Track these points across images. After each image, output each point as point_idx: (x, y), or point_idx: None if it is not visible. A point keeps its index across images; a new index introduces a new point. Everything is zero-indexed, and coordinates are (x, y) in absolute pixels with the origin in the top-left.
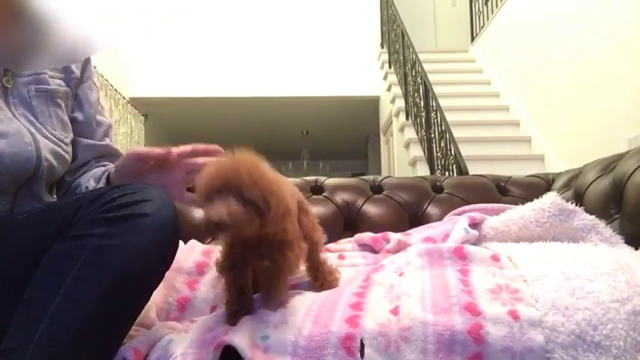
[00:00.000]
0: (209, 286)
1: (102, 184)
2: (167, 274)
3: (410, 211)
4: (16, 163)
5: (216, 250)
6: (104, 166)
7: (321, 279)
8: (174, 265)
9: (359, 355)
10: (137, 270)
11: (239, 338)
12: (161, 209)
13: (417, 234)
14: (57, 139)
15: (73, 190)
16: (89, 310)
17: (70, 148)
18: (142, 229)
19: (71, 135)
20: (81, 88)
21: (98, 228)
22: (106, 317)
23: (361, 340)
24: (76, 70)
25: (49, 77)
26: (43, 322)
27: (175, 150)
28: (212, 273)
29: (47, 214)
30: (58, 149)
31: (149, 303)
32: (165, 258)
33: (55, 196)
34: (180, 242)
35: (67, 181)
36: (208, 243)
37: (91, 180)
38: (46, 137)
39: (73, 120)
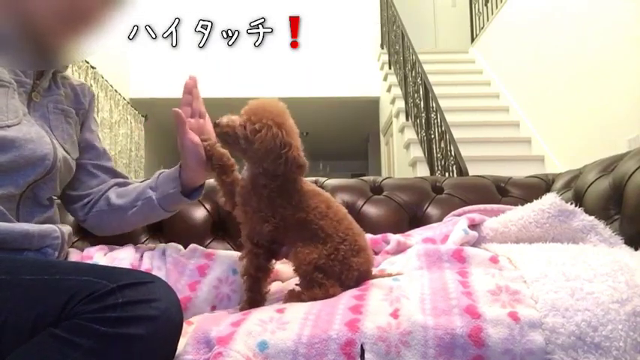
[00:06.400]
0: (210, 286)
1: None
2: (171, 276)
3: (410, 211)
4: (36, 157)
5: (216, 253)
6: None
7: None
8: (178, 267)
9: None
10: None
11: (235, 350)
12: (160, 329)
13: (416, 235)
14: (66, 151)
15: (95, 199)
16: None
17: (74, 164)
18: (132, 352)
19: (77, 154)
20: (88, 118)
21: (87, 339)
22: None
23: (361, 346)
24: (85, 102)
25: (65, 104)
26: None
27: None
28: (213, 274)
29: (48, 285)
30: (69, 158)
31: None
32: None
33: (54, 206)
34: (181, 246)
35: (84, 194)
36: (207, 246)
37: (125, 195)
38: (60, 146)
39: (89, 145)
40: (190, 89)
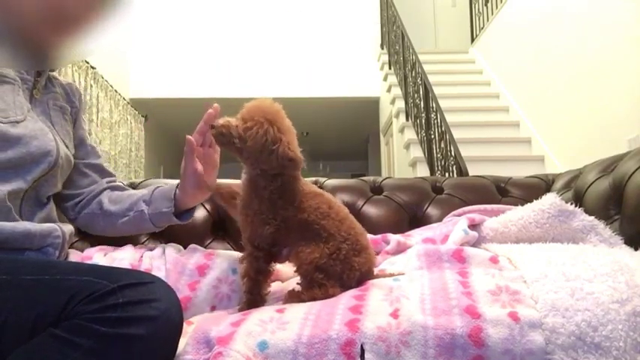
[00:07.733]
0: (210, 286)
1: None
2: (171, 276)
3: (410, 212)
4: (40, 153)
5: (216, 253)
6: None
7: None
8: (177, 267)
9: None
10: None
11: (235, 350)
12: (160, 329)
13: (416, 235)
14: (67, 147)
15: (87, 202)
16: None
17: (73, 160)
18: (132, 352)
19: (74, 151)
20: (79, 116)
21: (87, 339)
22: None
23: (361, 346)
24: (76, 101)
25: (61, 102)
26: None
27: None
28: (213, 274)
29: (49, 285)
30: (69, 154)
31: None
32: None
33: (52, 204)
34: (181, 246)
35: (75, 194)
36: (207, 246)
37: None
38: (61, 141)
39: (81, 142)
40: (211, 120)
